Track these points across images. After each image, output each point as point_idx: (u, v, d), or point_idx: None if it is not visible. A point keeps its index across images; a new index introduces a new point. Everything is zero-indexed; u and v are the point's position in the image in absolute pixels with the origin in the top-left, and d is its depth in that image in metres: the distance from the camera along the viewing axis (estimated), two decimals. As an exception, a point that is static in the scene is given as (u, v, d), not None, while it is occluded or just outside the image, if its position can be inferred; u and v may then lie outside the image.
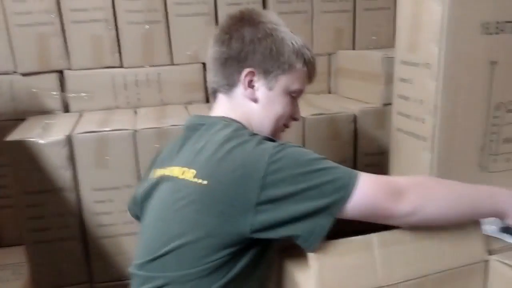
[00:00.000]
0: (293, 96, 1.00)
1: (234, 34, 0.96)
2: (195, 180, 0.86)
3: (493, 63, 1.13)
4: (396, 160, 1.31)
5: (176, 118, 1.59)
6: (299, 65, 0.98)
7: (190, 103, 1.81)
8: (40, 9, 1.65)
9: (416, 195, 0.85)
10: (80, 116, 1.68)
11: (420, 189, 0.88)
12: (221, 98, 1.02)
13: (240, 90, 0.98)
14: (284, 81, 0.97)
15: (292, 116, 1.03)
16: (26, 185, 1.45)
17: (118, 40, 1.72)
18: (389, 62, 1.55)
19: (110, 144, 1.45)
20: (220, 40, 0.99)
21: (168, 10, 1.73)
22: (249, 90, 0.97)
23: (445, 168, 1.16)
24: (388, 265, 0.89)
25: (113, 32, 1.71)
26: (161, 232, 0.89)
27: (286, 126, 1.04)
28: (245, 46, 0.95)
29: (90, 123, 1.55)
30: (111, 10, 1.69)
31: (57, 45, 1.69)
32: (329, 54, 1.91)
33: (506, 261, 0.95)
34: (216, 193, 0.83)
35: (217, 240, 0.83)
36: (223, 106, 1.01)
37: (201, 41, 1.76)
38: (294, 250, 0.94)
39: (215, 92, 1.03)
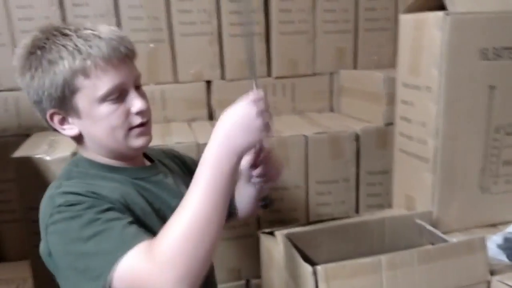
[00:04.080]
0: (114, 99, 0.82)
1: (19, 71, 0.83)
2: None
3: (492, 87, 1.16)
4: (399, 180, 1.34)
5: (181, 135, 1.61)
6: (86, 70, 0.79)
7: (193, 120, 1.84)
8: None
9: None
10: (85, 132, 1.70)
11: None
12: None
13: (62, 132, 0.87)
14: (82, 99, 0.81)
15: (132, 113, 0.85)
16: (32, 200, 1.45)
17: (123, 58, 1.75)
18: (391, 82, 1.58)
19: (115, 161, 1.47)
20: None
21: (173, 30, 1.76)
22: (67, 128, 0.85)
23: (447, 189, 1.19)
24: (395, 287, 0.90)
25: (119, 50, 1.73)
26: None
27: (139, 125, 0.86)
28: (29, 89, 0.82)
29: (95, 140, 1.57)
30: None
31: (63, 62, 1.71)
32: (331, 73, 1.93)
33: (508, 282, 0.97)
34: None
35: None
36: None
37: (204, 60, 1.80)
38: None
39: None
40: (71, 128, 0.85)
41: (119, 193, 0.82)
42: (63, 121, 0.85)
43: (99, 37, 0.81)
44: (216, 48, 1.81)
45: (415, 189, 1.26)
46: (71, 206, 0.77)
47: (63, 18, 1.68)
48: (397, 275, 0.92)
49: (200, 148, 1.54)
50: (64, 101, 0.82)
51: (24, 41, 0.83)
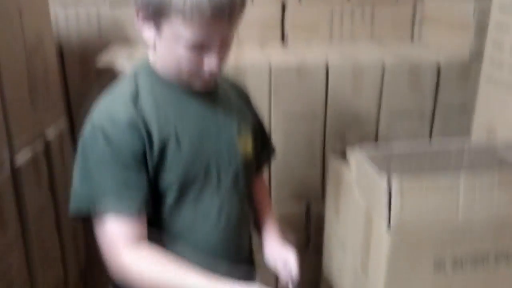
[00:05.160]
0: (193, 48, 0.82)
1: None
2: None
3: None
4: (481, 111, 1.28)
5: (254, 58, 1.61)
6: (182, 13, 0.78)
7: (265, 42, 1.82)
8: None
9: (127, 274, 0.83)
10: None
11: (131, 273, 0.83)
12: None
13: None
14: (168, 29, 0.81)
15: (202, 68, 0.85)
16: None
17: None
18: (481, 11, 1.47)
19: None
20: None
21: (253, -51, 1.71)
22: (146, 29, 0.85)
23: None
24: (471, 207, 0.89)
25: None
26: None
27: (203, 75, 0.87)
28: None
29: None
30: None
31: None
32: (415, 0, 1.82)
33: None
34: None
35: None
36: None
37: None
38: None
39: None
40: (149, 30, 0.84)
41: (156, 114, 0.85)
42: (145, 20, 0.84)
43: None
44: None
45: (499, 120, 1.20)
46: (97, 138, 0.82)
47: None
48: (475, 196, 0.90)
49: (273, 71, 1.53)
50: (154, 16, 0.81)
51: None
